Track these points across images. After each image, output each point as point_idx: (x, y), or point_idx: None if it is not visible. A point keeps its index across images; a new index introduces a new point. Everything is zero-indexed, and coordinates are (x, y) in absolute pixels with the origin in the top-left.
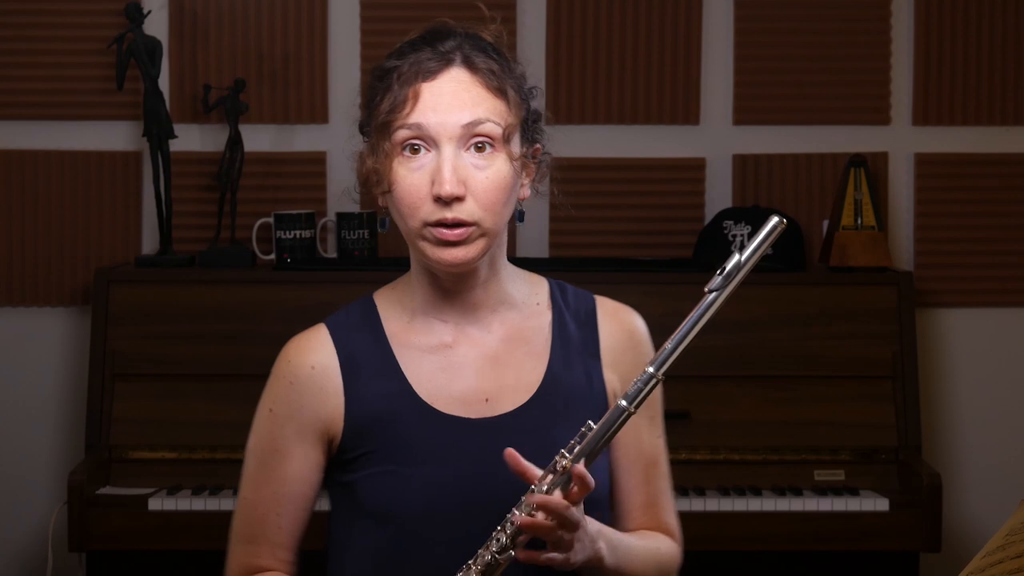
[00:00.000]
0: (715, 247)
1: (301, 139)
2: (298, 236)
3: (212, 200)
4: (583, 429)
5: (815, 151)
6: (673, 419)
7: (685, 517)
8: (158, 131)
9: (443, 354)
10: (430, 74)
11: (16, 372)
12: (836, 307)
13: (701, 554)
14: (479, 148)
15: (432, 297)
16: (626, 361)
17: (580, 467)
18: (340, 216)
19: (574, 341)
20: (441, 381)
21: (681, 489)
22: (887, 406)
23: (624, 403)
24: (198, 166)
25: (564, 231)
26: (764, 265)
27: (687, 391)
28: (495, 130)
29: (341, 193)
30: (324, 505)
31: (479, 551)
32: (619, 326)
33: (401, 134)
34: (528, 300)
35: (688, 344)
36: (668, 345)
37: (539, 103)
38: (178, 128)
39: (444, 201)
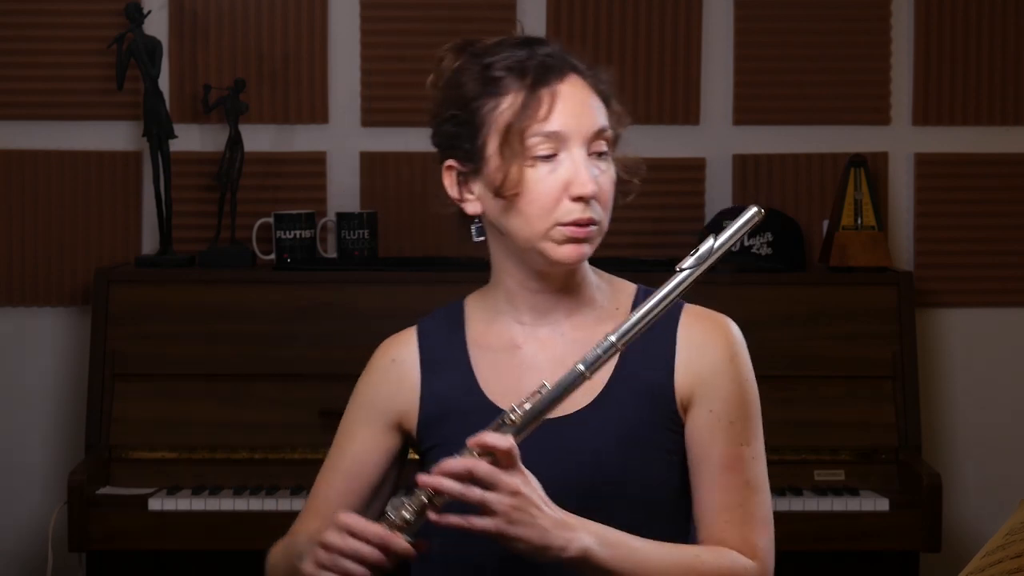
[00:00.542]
0: None
1: (301, 139)
2: (298, 236)
3: (212, 200)
4: (537, 388)
5: (815, 151)
6: None
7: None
8: (158, 131)
9: (513, 354)
10: (558, 77)
11: (16, 372)
12: (836, 307)
13: None
14: (599, 154)
15: (518, 299)
16: (706, 369)
17: (497, 439)
18: (340, 216)
19: (647, 346)
20: (510, 381)
21: None
22: (887, 406)
23: (581, 367)
24: (198, 166)
25: None
26: (764, 265)
27: None
28: (611, 136)
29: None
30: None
31: (397, 508)
32: (700, 330)
33: (537, 141)
34: (608, 304)
35: (652, 319)
36: (633, 317)
37: None
38: (178, 128)
39: (584, 201)
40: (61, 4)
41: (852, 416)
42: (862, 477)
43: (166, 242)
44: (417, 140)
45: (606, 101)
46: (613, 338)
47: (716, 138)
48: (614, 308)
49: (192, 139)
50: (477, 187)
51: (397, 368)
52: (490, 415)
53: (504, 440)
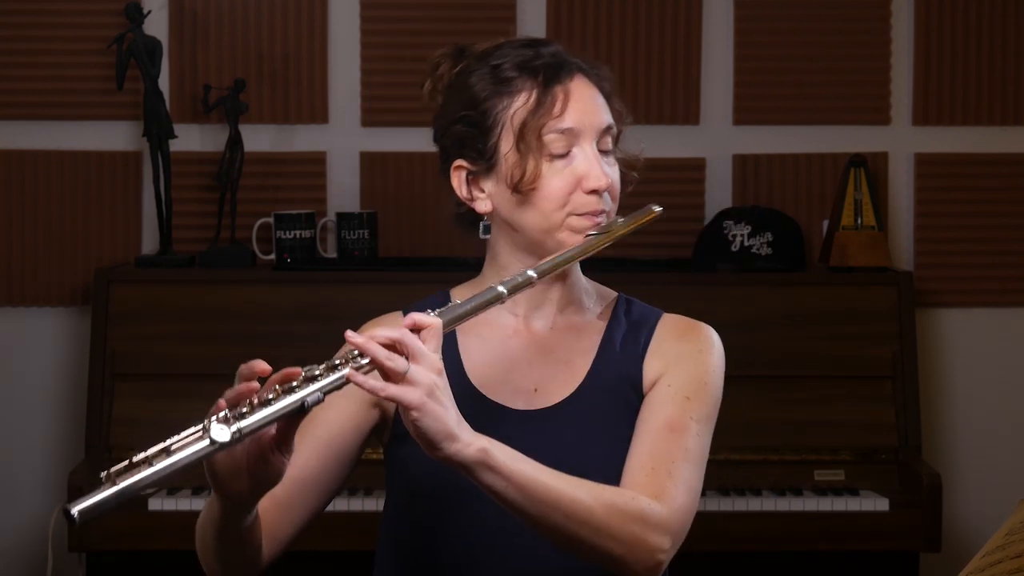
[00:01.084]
0: (715, 247)
1: (301, 139)
2: (298, 236)
3: (212, 200)
4: (455, 299)
5: (815, 151)
6: None
7: None
8: (158, 131)
9: (504, 343)
10: (568, 75)
11: (16, 372)
12: (836, 307)
13: (701, 554)
14: (605, 151)
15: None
16: (674, 351)
17: (426, 317)
18: (340, 216)
19: (624, 344)
20: (497, 370)
21: None
22: (887, 406)
23: (501, 288)
24: (198, 166)
25: None
26: (764, 265)
27: None
28: (615, 134)
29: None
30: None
31: (321, 365)
32: (673, 326)
33: (552, 137)
34: (593, 307)
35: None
36: (556, 257)
37: None
38: (178, 128)
39: (598, 193)
40: (61, 4)
41: (852, 416)
42: (862, 477)
43: (166, 242)
44: (417, 140)
45: (608, 99)
46: (531, 272)
47: (716, 138)
48: (597, 311)
49: (192, 139)
50: (488, 185)
51: None
52: (475, 402)
53: (433, 319)
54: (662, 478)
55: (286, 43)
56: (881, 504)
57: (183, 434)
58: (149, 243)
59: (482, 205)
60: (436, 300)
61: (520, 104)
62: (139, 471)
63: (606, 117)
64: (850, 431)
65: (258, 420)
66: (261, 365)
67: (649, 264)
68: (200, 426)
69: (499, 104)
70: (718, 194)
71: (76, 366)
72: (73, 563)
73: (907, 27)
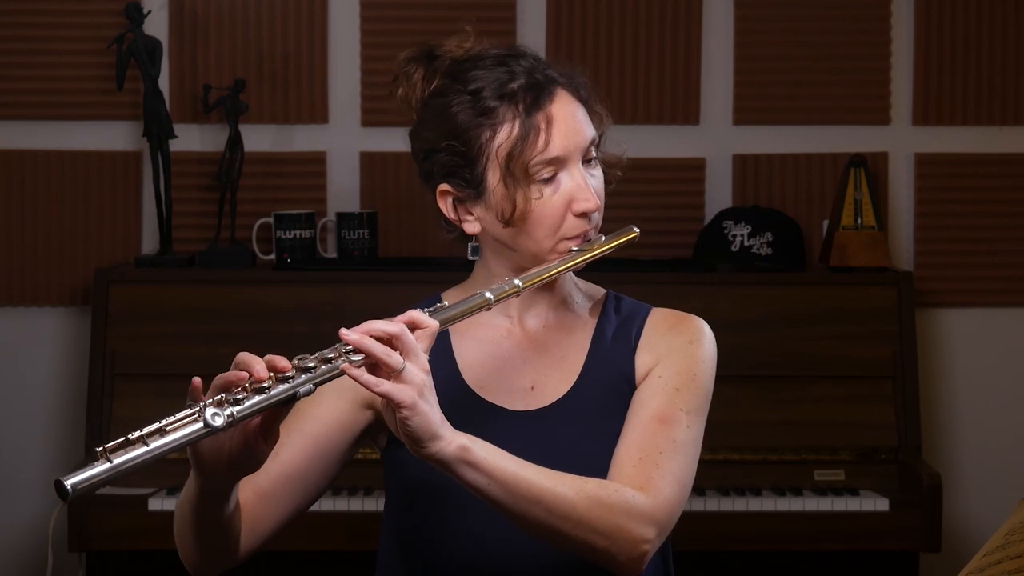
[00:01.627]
0: (715, 247)
1: (301, 139)
2: (298, 236)
3: (212, 200)
4: (444, 301)
5: (815, 151)
6: None
7: (685, 517)
8: (158, 131)
9: (498, 345)
10: (548, 97)
11: (16, 372)
12: (836, 307)
13: (701, 554)
14: (589, 159)
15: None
16: (664, 344)
17: (427, 318)
18: (340, 216)
19: (615, 339)
20: (491, 371)
21: None
22: (887, 406)
23: (489, 295)
24: (198, 166)
25: None
26: (764, 265)
27: None
28: (597, 141)
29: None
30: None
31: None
32: (663, 319)
33: (539, 168)
34: (583, 304)
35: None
36: (543, 270)
37: None
38: (178, 128)
39: (587, 215)
40: (61, 4)
41: (852, 416)
42: (862, 477)
43: (166, 242)
44: None
45: (588, 106)
46: (517, 281)
47: (716, 138)
48: (588, 307)
49: (192, 139)
50: (477, 210)
51: None
52: (470, 404)
53: (431, 320)
54: (649, 469)
55: (286, 43)
56: (881, 504)
57: (178, 415)
58: (149, 243)
59: (471, 227)
60: (428, 302)
61: (504, 137)
62: (134, 449)
63: (589, 132)
64: (850, 431)
65: (252, 406)
66: (261, 373)
67: (649, 264)
68: (195, 408)
69: (483, 135)
70: (718, 194)
71: (76, 366)
72: (73, 563)
73: (907, 27)
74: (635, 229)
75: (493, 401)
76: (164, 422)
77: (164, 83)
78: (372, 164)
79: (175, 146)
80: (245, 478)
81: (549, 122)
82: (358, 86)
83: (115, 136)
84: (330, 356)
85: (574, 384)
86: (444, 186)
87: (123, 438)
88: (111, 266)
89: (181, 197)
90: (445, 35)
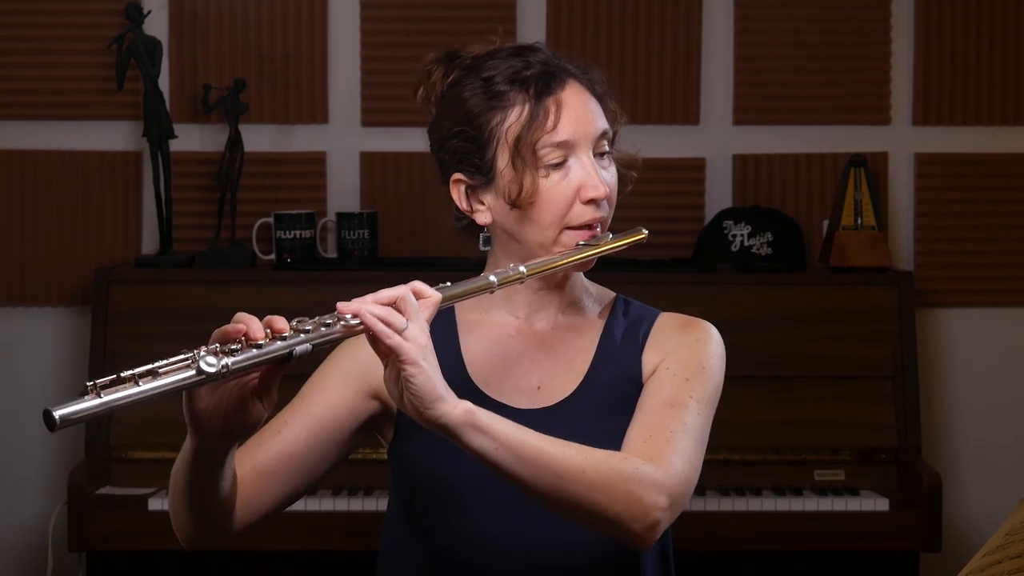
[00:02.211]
0: (715, 247)
1: (301, 139)
2: (298, 236)
3: (212, 200)
4: (447, 283)
5: (815, 151)
6: None
7: (685, 517)
8: (158, 131)
9: (506, 344)
10: (559, 84)
11: (16, 372)
12: (836, 307)
13: (701, 554)
14: (601, 154)
15: (517, 296)
16: (672, 341)
17: (430, 289)
18: (340, 216)
19: (623, 340)
20: (498, 369)
21: None
22: (887, 406)
23: (493, 278)
24: (198, 166)
25: None
26: (764, 265)
27: None
28: (610, 136)
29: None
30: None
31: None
32: (671, 321)
33: (547, 151)
34: (592, 307)
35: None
36: (547, 260)
37: None
38: (178, 128)
39: (595, 203)
40: (61, 4)
41: (852, 416)
42: (862, 477)
43: (166, 242)
44: (417, 140)
45: (602, 101)
46: (523, 268)
47: (716, 138)
48: (598, 310)
49: (192, 139)
50: (488, 198)
51: None
52: (477, 401)
53: (434, 292)
54: (660, 444)
55: (286, 43)
56: (881, 504)
57: (172, 360)
58: (149, 243)
59: (482, 217)
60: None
61: (514, 119)
62: (125, 388)
63: (600, 123)
64: (850, 431)
65: (247, 359)
66: (256, 332)
67: (649, 264)
68: (190, 355)
69: (493, 119)
70: (718, 194)
71: (76, 366)
72: (73, 563)
73: (907, 27)
74: (644, 230)
75: (498, 399)
76: (157, 364)
77: (164, 83)
78: (372, 164)
79: (175, 146)
80: (245, 454)
81: (559, 106)
82: (358, 86)
83: (115, 136)
84: (328, 321)
85: (580, 384)
86: (457, 174)
87: (114, 375)
88: (111, 266)
89: (181, 197)
90: (445, 35)
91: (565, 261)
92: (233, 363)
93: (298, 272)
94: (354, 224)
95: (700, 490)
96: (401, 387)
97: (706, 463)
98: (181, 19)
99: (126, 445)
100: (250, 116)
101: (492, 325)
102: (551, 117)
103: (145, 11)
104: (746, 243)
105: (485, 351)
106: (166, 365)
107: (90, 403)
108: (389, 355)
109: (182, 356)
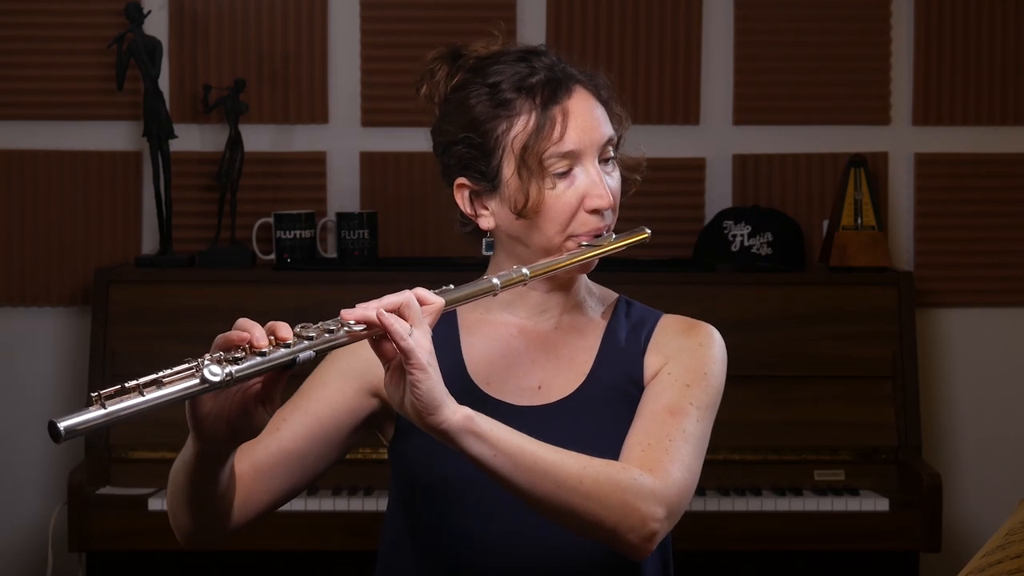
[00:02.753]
0: (715, 247)
1: (301, 139)
2: (298, 236)
3: (212, 200)
4: (450, 286)
5: (815, 151)
6: None
7: (685, 516)
8: (158, 131)
9: (507, 344)
10: (565, 92)
11: (16, 372)
12: (836, 307)
13: (701, 554)
14: (606, 159)
15: (519, 298)
16: (674, 345)
17: (434, 296)
18: (340, 216)
19: (626, 342)
20: (498, 369)
21: None
22: (887, 406)
23: (496, 280)
24: (198, 166)
25: None
26: (764, 265)
27: None
28: (615, 142)
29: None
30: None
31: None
32: (673, 324)
33: (553, 161)
34: (595, 307)
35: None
36: (550, 262)
37: None
38: (178, 128)
39: (599, 212)
40: (61, 4)
41: (852, 416)
42: (862, 477)
43: (166, 242)
44: (417, 140)
45: (607, 106)
46: (525, 270)
47: (716, 138)
48: (600, 310)
49: (192, 139)
50: (492, 204)
51: None
52: (476, 399)
53: (437, 298)
54: (658, 453)
55: (286, 43)
56: (881, 504)
57: (176, 368)
58: (149, 243)
59: (486, 222)
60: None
61: (520, 128)
62: (129, 398)
63: (606, 130)
64: (850, 431)
65: (251, 367)
66: (260, 340)
67: (649, 264)
68: (194, 363)
69: (499, 127)
70: (718, 194)
71: (76, 366)
72: (73, 563)
73: (907, 27)
74: (646, 230)
75: (498, 397)
76: (161, 374)
77: (164, 83)
78: (372, 164)
79: (175, 146)
80: (244, 451)
81: (565, 116)
82: (358, 86)
83: (115, 136)
84: (332, 327)
85: (581, 384)
86: (461, 179)
87: (119, 385)
88: (111, 266)
89: (181, 197)
90: (445, 35)
91: (568, 262)
92: (237, 371)
93: (298, 272)
94: (354, 224)
95: (700, 490)
96: (403, 391)
97: (706, 463)
98: (181, 19)
99: (126, 445)
100: (250, 116)
101: (494, 325)
102: (558, 127)
103: (145, 11)
104: (746, 243)
105: (486, 350)
106: (170, 374)
107: (95, 414)
108: (392, 359)
109: (186, 365)
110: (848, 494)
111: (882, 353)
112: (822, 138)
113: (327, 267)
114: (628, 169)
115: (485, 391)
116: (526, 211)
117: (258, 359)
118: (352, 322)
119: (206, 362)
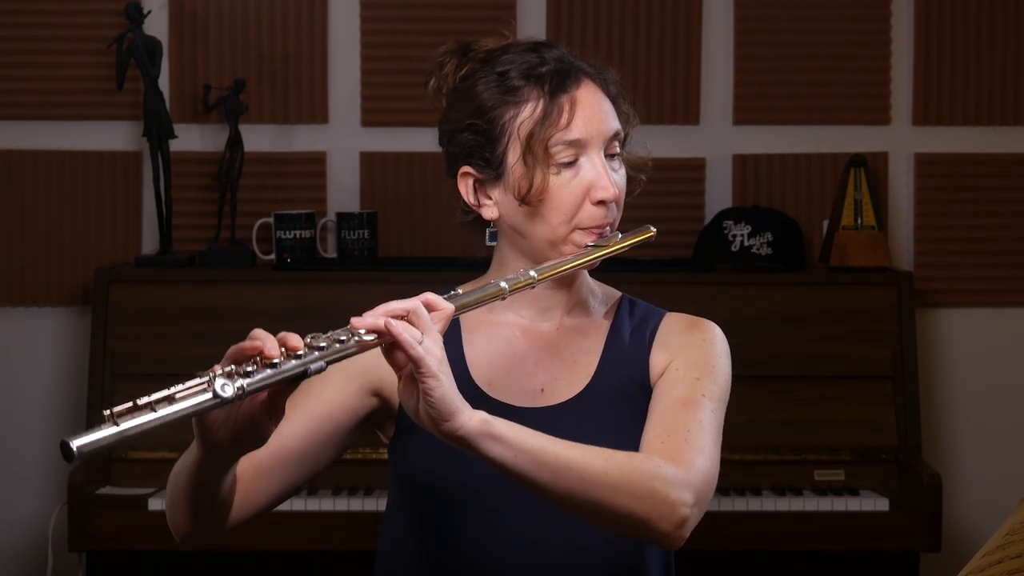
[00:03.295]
0: (715, 247)
1: (301, 139)
2: (298, 236)
3: (212, 200)
4: (457, 290)
5: (815, 151)
6: None
7: None
8: (158, 131)
9: (510, 344)
10: (574, 83)
11: (16, 372)
12: (836, 307)
13: (701, 554)
14: (612, 155)
15: (523, 296)
16: (678, 342)
17: (443, 301)
18: (340, 216)
19: (627, 342)
20: (500, 369)
21: None
22: (887, 406)
23: (504, 284)
24: (198, 166)
25: None
26: (764, 265)
27: None
28: (622, 138)
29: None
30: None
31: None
32: (677, 323)
33: (559, 149)
34: (598, 307)
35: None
36: (558, 260)
37: None
38: (178, 128)
39: (605, 204)
40: (61, 4)
41: (852, 416)
42: (862, 477)
43: (166, 242)
44: (417, 140)
45: (615, 102)
46: (533, 272)
47: (716, 138)
48: (603, 310)
49: (192, 139)
50: (496, 193)
51: None
52: (478, 401)
53: (447, 304)
54: (678, 443)
55: (286, 43)
56: (881, 504)
57: (187, 384)
58: (149, 243)
59: (489, 212)
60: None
61: (527, 115)
62: (142, 415)
63: (613, 123)
64: (850, 431)
65: (262, 379)
66: (271, 351)
67: (649, 264)
68: (205, 378)
69: (506, 113)
70: (718, 194)
71: (76, 366)
72: (73, 563)
73: (907, 27)
74: (652, 228)
75: (501, 399)
76: (173, 390)
77: (164, 83)
78: (372, 164)
79: (175, 146)
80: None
81: (573, 104)
82: (358, 86)
83: (115, 136)
84: (343, 338)
85: (586, 386)
86: (465, 167)
87: (131, 403)
88: (111, 266)
89: (181, 197)
90: (445, 35)
91: (575, 263)
92: (249, 384)
93: (298, 272)
94: (354, 224)
95: None
96: (416, 399)
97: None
98: (181, 19)
99: (126, 445)
100: (250, 116)
101: (496, 325)
102: (565, 115)
103: (145, 11)
104: (746, 243)
105: (489, 351)
106: (182, 390)
107: (107, 432)
108: (404, 367)
109: (197, 380)
110: (848, 494)
111: (882, 353)
112: (822, 138)
113: (327, 267)
114: (634, 168)
115: (488, 393)
116: (529, 197)
117: (269, 371)
118: (362, 331)
119: (217, 376)
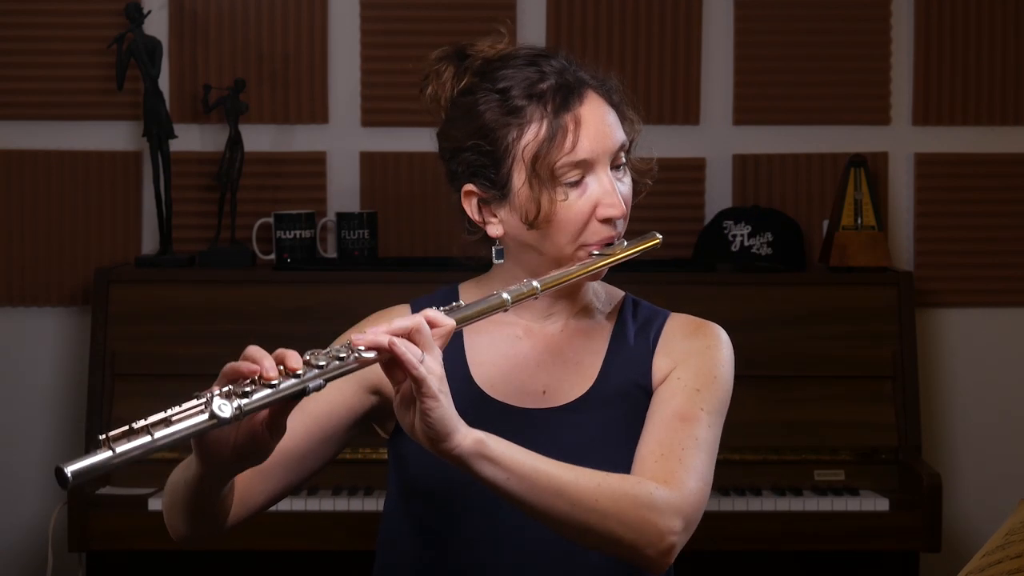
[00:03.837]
0: (715, 247)
1: (301, 139)
2: (298, 236)
3: (212, 200)
4: (460, 303)
5: (815, 151)
6: None
7: None
8: (158, 131)
9: (512, 345)
10: (577, 99)
11: (16, 372)
12: (836, 307)
13: (701, 554)
14: (617, 166)
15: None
16: (681, 348)
17: (445, 317)
18: (340, 216)
19: (631, 344)
20: (501, 370)
21: None
22: (887, 406)
23: (506, 296)
24: (198, 166)
25: None
26: (764, 265)
27: None
28: (626, 147)
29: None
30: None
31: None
32: (681, 326)
33: (565, 170)
34: (602, 309)
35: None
36: (561, 271)
37: None
38: (178, 128)
39: (611, 221)
40: (61, 4)
41: (852, 416)
42: (862, 477)
43: (166, 242)
44: (417, 140)
45: (619, 110)
46: (536, 283)
47: (716, 138)
48: (607, 312)
49: (192, 139)
50: (501, 212)
51: None
52: (480, 403)
53: (449, 320)
54: (672, 463)
55: (286, 43)
56: (881, 504)
57: (184, 406)
58: (149, 243)
59: (494, 230)
60: (445, 292)
61: (531, 136)
62: (137, 438)
63: (618, 136)
64: (850, 431)
65: (260, 399)
66: (270, 372)
67: (649, 264)
68: (202, 400)
69: (510, 134)
70: (718, 194)
71: (76, 366)
72: (73, 563)
73: (907, 27)
74: (658, 235)
75: (502, 400)
76: (170, 412)
77: (164, 83)
78: (372, 164)
79: (175, 146)
80: None
81: (577, 124)
82: (358, 86)
83: (115, 136)
84: (342, 355)
85: (589, 389)
86: (469, 186)
87: (127, 427)
88: (111, 266)
89: (181, 197)
90: (445, 35)
91: (579, 273)
92: (246, 405)
93: (298, 272)
94: (354, 224)
95: None
96: (413, 416)
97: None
98: (181, 19)
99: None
100: (250, 116)
101: (500, 327)
102: (570, 136)
103: (145, 11)
104: (746, 243)
105: (491, 354)
106: (179, 412)
107: (102, 457)
108: (402, 382)
109: (195, 401)
110: (848, 494)
111: (882, 353)
112: (822, 138)
113: (327, 267)
114: (639, 173)
115: (489, 395)
116: (537, 222)
117: (268, 391)
118: (362, 348)
119: (215, 396)
